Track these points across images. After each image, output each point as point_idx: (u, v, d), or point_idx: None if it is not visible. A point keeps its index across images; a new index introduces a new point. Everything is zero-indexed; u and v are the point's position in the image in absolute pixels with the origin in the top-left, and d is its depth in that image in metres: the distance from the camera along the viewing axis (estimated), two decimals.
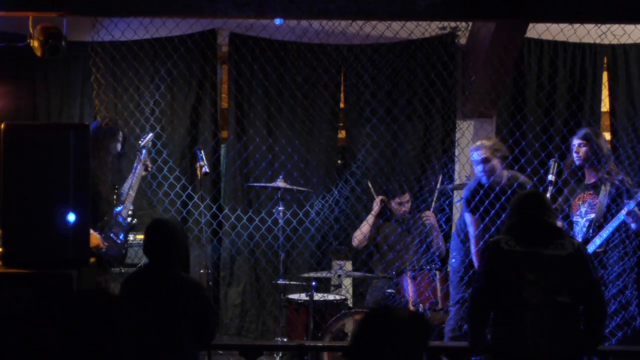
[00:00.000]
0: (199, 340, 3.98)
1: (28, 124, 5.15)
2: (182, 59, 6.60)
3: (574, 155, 5.39)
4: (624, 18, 5.06)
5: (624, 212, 5.05)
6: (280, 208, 6.05)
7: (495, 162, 5.59)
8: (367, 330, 2.55)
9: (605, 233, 5.13)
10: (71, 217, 4.01)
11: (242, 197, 6.83)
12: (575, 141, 5.40)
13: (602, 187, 5.25)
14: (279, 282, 6.04)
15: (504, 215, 5.23)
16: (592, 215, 5.26)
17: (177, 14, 4.87)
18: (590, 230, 5.23)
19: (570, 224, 5.43)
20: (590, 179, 5.38)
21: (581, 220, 5.32)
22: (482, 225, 5.60)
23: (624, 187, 5.26)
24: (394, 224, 6.50)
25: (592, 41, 6.43)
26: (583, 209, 5.31)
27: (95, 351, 2.47)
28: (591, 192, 5.33)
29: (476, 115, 6.88)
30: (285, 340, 5.89)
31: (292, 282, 6.18)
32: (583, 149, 5.33)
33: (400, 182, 6.53)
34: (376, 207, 6.36)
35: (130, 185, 5.55)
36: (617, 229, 5.23)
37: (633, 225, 5.12)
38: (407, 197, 6.46)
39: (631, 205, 5.00)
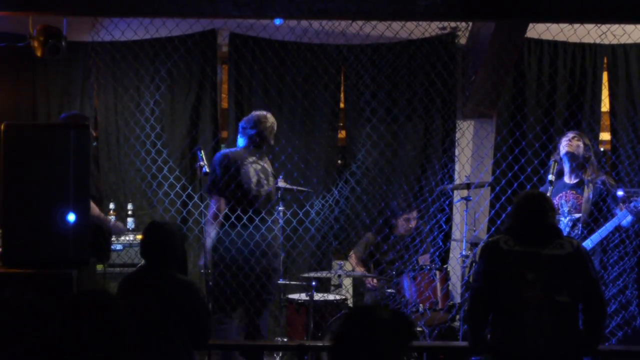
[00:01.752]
0: (193, 340, 3.99)
1: (28, 124, 5.15)
2: (182, 59, 6.60)
3: (565, 144, 5.35)
4: (624, 18, 5.06)
5: (623, 213, 5.04)
6: (280, 208, 6.04)
7: None
8: (348, 329, 2.53)
9: (604, 232, 5.12)
10: (71, 217, 4.01)
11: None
12: (570, 134, 5.39)
13: (586, 187, 5.26)
14: (279, 282, 6.04)
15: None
16: (577, 215, 5.27)
17: (177, 14, 4.87)
18: (577, 230, 5.23)
19: None
20: (572, 179, 5.38)
21: (564, 220, 5.32)
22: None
23: (606, 187, 5.27)
24: (394, 224, 6.50)
25: (592, 41, 6.43)
26: (566, 208, 5.32)
27: (95, 351, 2.47)
28: (575, 191, 5.32)
29: (476, 115, 6.88)
30: (285, 340, 5.89)
31: (292, 282, 6.18)
32: (577, 142, 5.32)
33: (408, 199, 6.52)
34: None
35: None
36: (617, 229, 5.23)
37: (626, 223, 5.12)
38: (414, 213, 6.46)
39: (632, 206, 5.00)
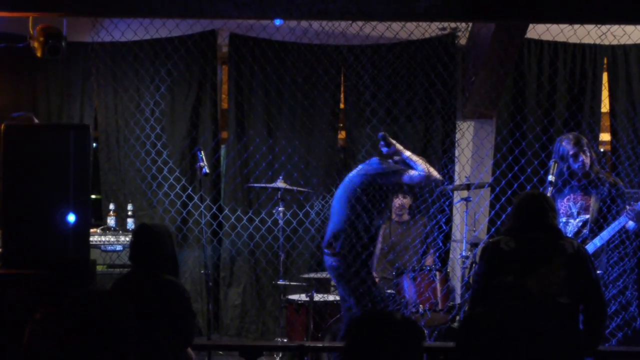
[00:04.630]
0: (179, 341, 3.99)
1: (28, 125, 5.15)
2: (182, 60, 6.61)
3: (579, 163, 5.26)
4: (624, 19, 5.06)
5: (629, 214, 5.03)
6: (280, 209, 6.04)
7: None
8: (363, 332, 2.53)
9: (606, 235, 5.12)
10: (71, 218, 4.00)
11: (242, 197, 6.83)
12: (573, 150, 5.28)
13: (593, 189, 5.24)
14: (279, 282, 6.04)
15: None
16: (586, 216, 5.26)
17: (177, 14, 4.86)
18: (585, 230, 5.22)
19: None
20: (581, 181, 5.36)
21: (573, 221, 5.31)
22: None
23: (614, 188, 5.25)
24: (394, 224, 6.50)
25: (592, 42, 6.44)
26: (575, 210, 5.30)
27: (95, 350, 2.47)
28: (582, 193, 5.31)
29: (476, 115, 6.89)
30: (285, 340, 5.89)
31: (292, 283, 6.18)
32: (588, 158, 5.25)
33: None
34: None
35: None
36: (618, 231, 5.22)
37: (631, 225, 5.11)
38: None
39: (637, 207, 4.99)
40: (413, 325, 2.57)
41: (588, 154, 5.24)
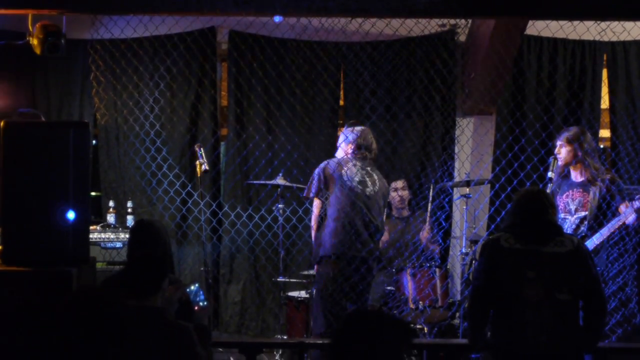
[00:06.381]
0: None
1: (28, 122, 5.14)
2: (182, 57, 6.61)
3: (558, 158, 5.35)
4: (623, 15, 5.06)
5: (628, 211, 5.03)
6: (280, 205, 6.04)
7: None
8: (351, 330, 2.52)
9: (605, 232, 5.12)
10: (71, 215, 4.00)
11: (242, 194, 6.83)
12: (557, 142, 5.37)
13: (592, 186, 5.24)
14: (278, 279, 6.05)
15: None
16: (584, 213, 5.26)
17: (177, 11, 4.86)
18: (583, 227, 5.23)
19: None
20: (578, 177, 5.36)
21: (571, 218, 5.31)
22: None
23: (614, 185, 5.25)
24: (394, 220, 6.50)
25: (591, 38, 6.42)
26: (573, 207, 5.31)
27: (95, 349, 2.47)
28: (580, 190, 5.31)
29: (476, 112, 6.89)
30: (285, 337, 5.90)
31: (291, 280, 6.18)
32: (563, 150, 5.30)
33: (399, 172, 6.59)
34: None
35: None
36: (617, 227, 5.22)
37: (630, 220, 5.11)
38: (401, 183, 6.48)
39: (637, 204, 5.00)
40: (400, 324, 2.56)
41: (572, 144, 5.26)
